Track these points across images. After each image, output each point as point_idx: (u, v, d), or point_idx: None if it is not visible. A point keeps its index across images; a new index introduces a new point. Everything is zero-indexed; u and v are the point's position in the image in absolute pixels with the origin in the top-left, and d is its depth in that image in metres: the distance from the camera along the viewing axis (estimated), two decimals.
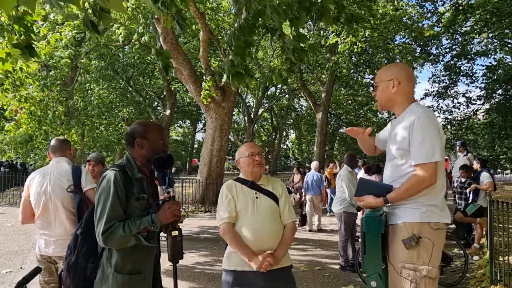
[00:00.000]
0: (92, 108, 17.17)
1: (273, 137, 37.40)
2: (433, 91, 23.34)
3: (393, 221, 2.11)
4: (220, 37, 15.47)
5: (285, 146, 43.53)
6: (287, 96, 30.97)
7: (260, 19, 3.86)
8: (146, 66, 20.91)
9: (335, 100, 26.48)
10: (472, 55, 21.53)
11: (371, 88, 22.72)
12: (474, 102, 22.90)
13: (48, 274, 2.93)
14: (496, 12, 16.32)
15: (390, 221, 2.13)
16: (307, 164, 28.48)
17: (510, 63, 21.70)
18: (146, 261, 2.02)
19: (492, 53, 21.37)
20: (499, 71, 21.43)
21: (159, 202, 2.13)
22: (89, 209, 2.05)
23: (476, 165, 7.32)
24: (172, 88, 21.93)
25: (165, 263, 2.35)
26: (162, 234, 2.12)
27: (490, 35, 19.09)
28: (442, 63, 22.20)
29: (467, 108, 23.08)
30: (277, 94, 30.15)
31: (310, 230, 8.68)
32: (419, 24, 17.68)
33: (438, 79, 23.17)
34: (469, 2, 16.89)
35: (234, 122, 33.32)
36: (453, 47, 20.95)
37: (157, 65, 19.54)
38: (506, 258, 4.42)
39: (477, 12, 16.98)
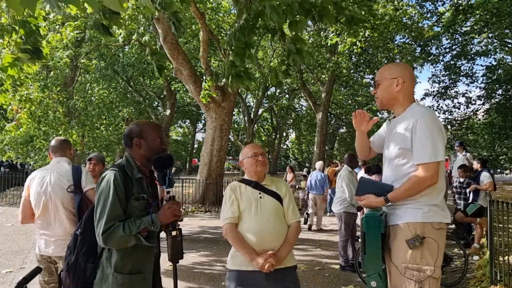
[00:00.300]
0: (93, 108, 17.14)
1: (273, 137, 37.40)
2: (433, 91, 23.39)
3: (393, 221, 2.10)
4: (220, 37, 15.46)
5: (285, 146, 43.56)
6: (287, 96, 30.95)
7: (260, 19, 3.85)
8: (146, 66, 20.86)
9: (335, 100, 26.50)
10: (472, 55, 21.54)
11: (371, 88, 22.73)
12: (474, 102, 22.95)
13: (48, 274, 2.93)
14: (496, 12, 16.31)
15: (391, 221, 2.12)
16: (307, 164, 28.46)
17: (510, 63, 21.72)
18: (146, 261, 2.02)
19: (492, 53, 21.39)
20: (499, 71, 21.45)
21: (159, 202, 2.13)
22: (89, 209, 2.05)
23: (476, 165, 7.30)
24: (172, 88, 21.92)
25: (165, 263, 2.35)
26: (162, 234, 2.12)
27: (490, 35, 19.11)
28: (442, 63, 22.23)
29: (467, 108, 23.13)
30: (277, 94, 30.10)
31: (310, 226, 8.76)
32: (419, 24, 17.67)
33: (438, 79, 23.20)
34: (469, 2, 16.87)
35: (234, 122, 33.26)
36: (453, 47, 20.95)
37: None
38: (506, 258, 4.41)
39: (477, 12, 16.97)
